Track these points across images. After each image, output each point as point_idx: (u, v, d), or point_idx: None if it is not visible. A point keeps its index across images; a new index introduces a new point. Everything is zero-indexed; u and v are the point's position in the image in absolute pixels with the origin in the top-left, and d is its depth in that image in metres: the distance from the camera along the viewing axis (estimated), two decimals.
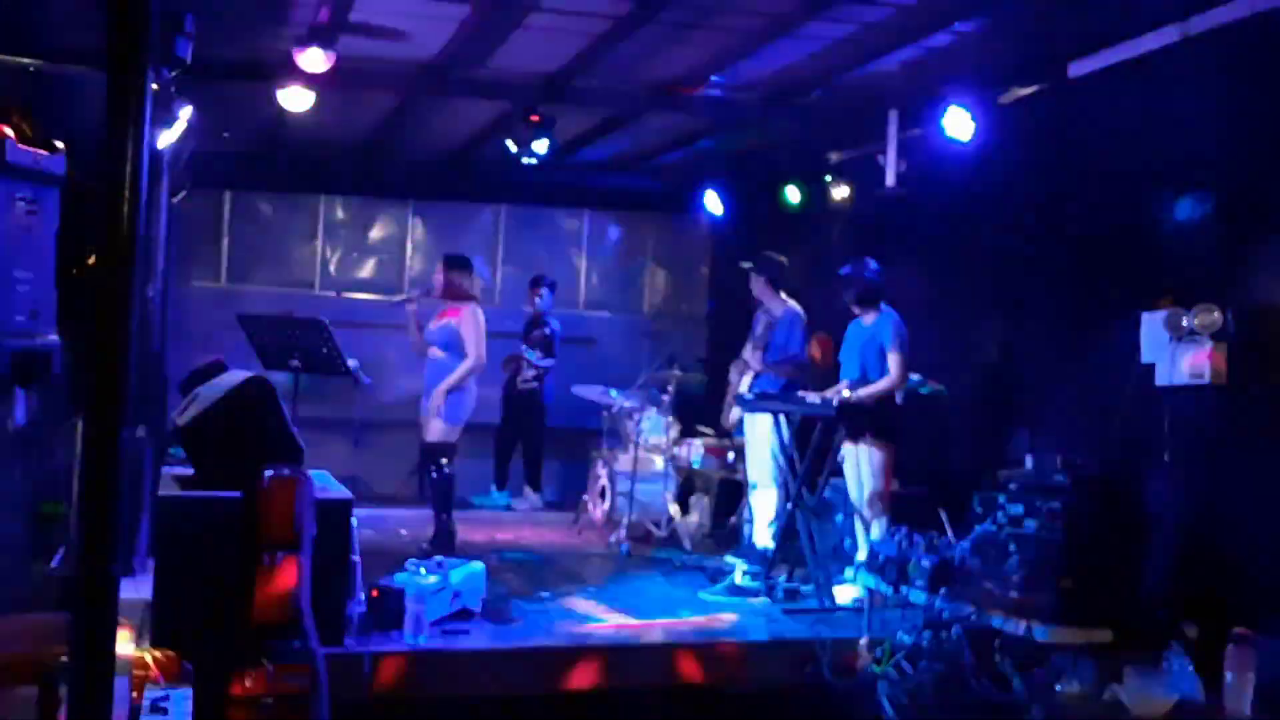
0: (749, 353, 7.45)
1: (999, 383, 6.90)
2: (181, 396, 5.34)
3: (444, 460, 6.92)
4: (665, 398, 8.44)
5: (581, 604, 6.11)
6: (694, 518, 8.26)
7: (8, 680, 3.85)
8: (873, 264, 6.55)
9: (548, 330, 9.63)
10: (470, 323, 6.94)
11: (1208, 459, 5.35)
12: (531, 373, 9.55)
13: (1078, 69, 6.35)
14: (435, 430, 6.95)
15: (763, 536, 7.14)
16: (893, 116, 7.49)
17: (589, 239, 11.22)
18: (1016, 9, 5.96)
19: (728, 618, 5.98)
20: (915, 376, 6.82)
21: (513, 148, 7.72)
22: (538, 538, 8.34)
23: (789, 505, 6.59)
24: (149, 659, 4.16)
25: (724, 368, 8.38)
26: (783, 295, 7.30)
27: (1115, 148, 6.07)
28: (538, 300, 9.72)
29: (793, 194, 8.99)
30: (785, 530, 6.61)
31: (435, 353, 7.01)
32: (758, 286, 7.34)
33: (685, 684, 5.29)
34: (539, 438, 9.79)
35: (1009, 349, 6.89)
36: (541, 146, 7.67)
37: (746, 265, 7.40)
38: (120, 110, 3.18)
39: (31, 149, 4.28)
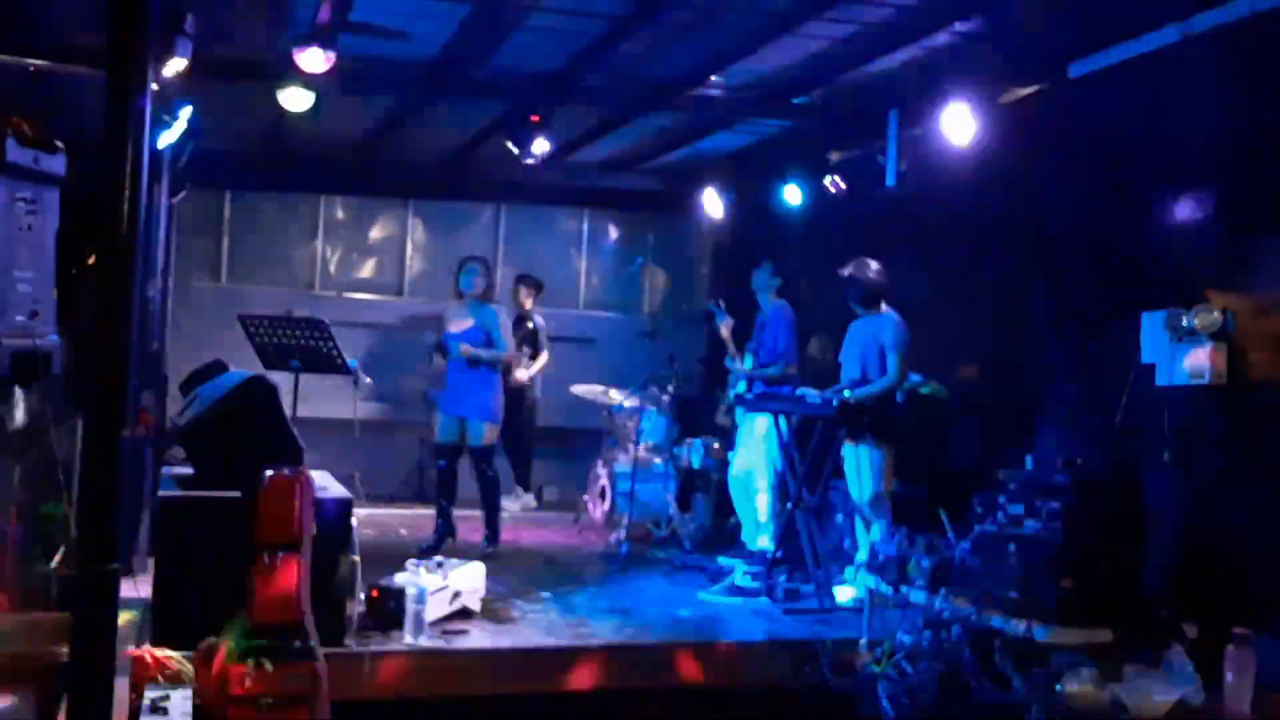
0: (730, 357, 7.49)
1: (999, 383, 6.89)
2: (182, 396, 5.34)
3: (492, 461, 7.26)
4: (665, 398, 8.44)
5: (581, 604, 6.11)
6: (694, 518, 8.27)
7: (8, 680, 3.85)
8: (874, 264, 6.55)
9: (529, 326, 9.62)
10: (505, 319, 7.36)
11: (1208, 459, 5.35)
12: (521, 371, 9.52)
13: (1078, 69, 6.35)
14: (487, 433, 7.20)
15: (762, 537, 7.14)
16: (893, 116, 7.48)
17: (589, 239, 11.22)
18: (1016, 9, 5.95)
19: (728, 618, 5.98)
20: (915, 376, 6.82)
21: (514, 149, 7.72)
22: (538, 538, 8.34)
23: (789, 505, 6.59)
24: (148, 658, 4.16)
25: (724, 368, 8.37)
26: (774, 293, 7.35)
27: (1115, 148, 6.07)
28: (525, 300, 9.71)
29: (792, 194, 8.95)
30: (785, 530, 6.61)
31: (470, 350, 7.06)
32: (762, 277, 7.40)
33: (685, 684, 5.29)
34: (529, 437, 9.74)
35: (1009, 349, 6.89)
36: (541, 147, 7.66)
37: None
38: (120, 110, 3.18)
39: (31, 149, 4.27)
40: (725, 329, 7.61)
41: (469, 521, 7.45)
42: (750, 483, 7.36)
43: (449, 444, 7.25)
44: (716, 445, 8.35)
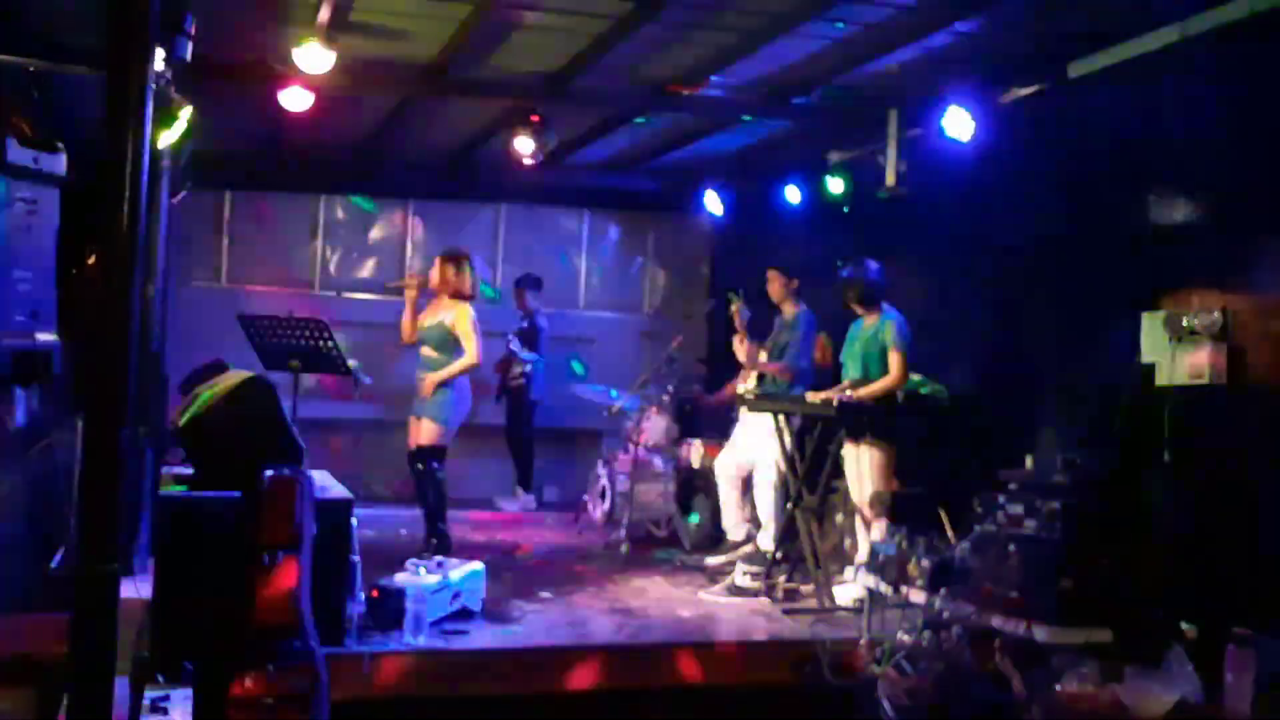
0: (739, 348, 7.45)
1: (999, 383, 6.89)
2: (181, 396, 5.33)
3: (435, 464, 6.84)
4: (665, 398, 8.44)
5: (581, 604, 6.11)
6: (694, 518, 8.27)
7: (8, 680, 3.86)
8: (873, 264, 6.55)
9: (525, 324, 9.62)
10: (466, 322, 6.91)
11: (1208, 459, 5.34)
12: (518, 369, 9.53)
13: (1078, 69, 6.35)
14: (427, 432, 6.89)
15: (763, 537, 7.14)
16: (893, 116, 7.48)
17: (589, 239, 11.21)
18: (1016, 9, 5.95)
19: (728, 618, 5.98)
20: (916, 377, 6.81)
21: (524, 149, 7.72)
22: (538, 538, 8.34)
23: (789, 505, 6.59)
24: None
25: (723, 369, 8.38)
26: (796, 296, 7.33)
27: (1115, 147, 6.07)
28: (528, 300, 9.72)
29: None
30: (785, 530, 6.61)
31: (428, 351, 7.00)
32: (775, 288, 7.35)
33: (685, 684, 5.29)
34: (527, 436, 9.73)
35: (1009, 349, 6.89)
36: (542, 146, 7.66)
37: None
38: (120, 110, 3.19)
39: (31, 149, 4.28)
40: (741, 318, 7.46)
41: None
42: (752, 477, 7.35)
43: (411, 445, 7.04)
44: (716, 445, 8.34)
